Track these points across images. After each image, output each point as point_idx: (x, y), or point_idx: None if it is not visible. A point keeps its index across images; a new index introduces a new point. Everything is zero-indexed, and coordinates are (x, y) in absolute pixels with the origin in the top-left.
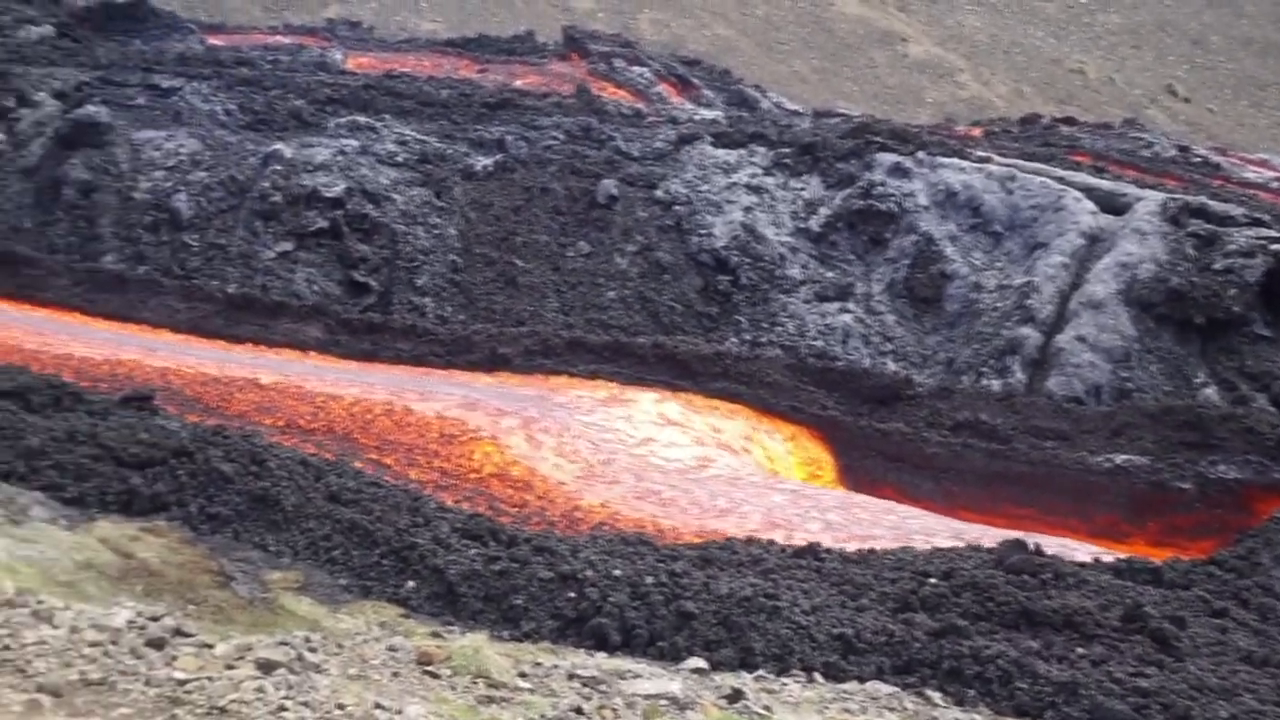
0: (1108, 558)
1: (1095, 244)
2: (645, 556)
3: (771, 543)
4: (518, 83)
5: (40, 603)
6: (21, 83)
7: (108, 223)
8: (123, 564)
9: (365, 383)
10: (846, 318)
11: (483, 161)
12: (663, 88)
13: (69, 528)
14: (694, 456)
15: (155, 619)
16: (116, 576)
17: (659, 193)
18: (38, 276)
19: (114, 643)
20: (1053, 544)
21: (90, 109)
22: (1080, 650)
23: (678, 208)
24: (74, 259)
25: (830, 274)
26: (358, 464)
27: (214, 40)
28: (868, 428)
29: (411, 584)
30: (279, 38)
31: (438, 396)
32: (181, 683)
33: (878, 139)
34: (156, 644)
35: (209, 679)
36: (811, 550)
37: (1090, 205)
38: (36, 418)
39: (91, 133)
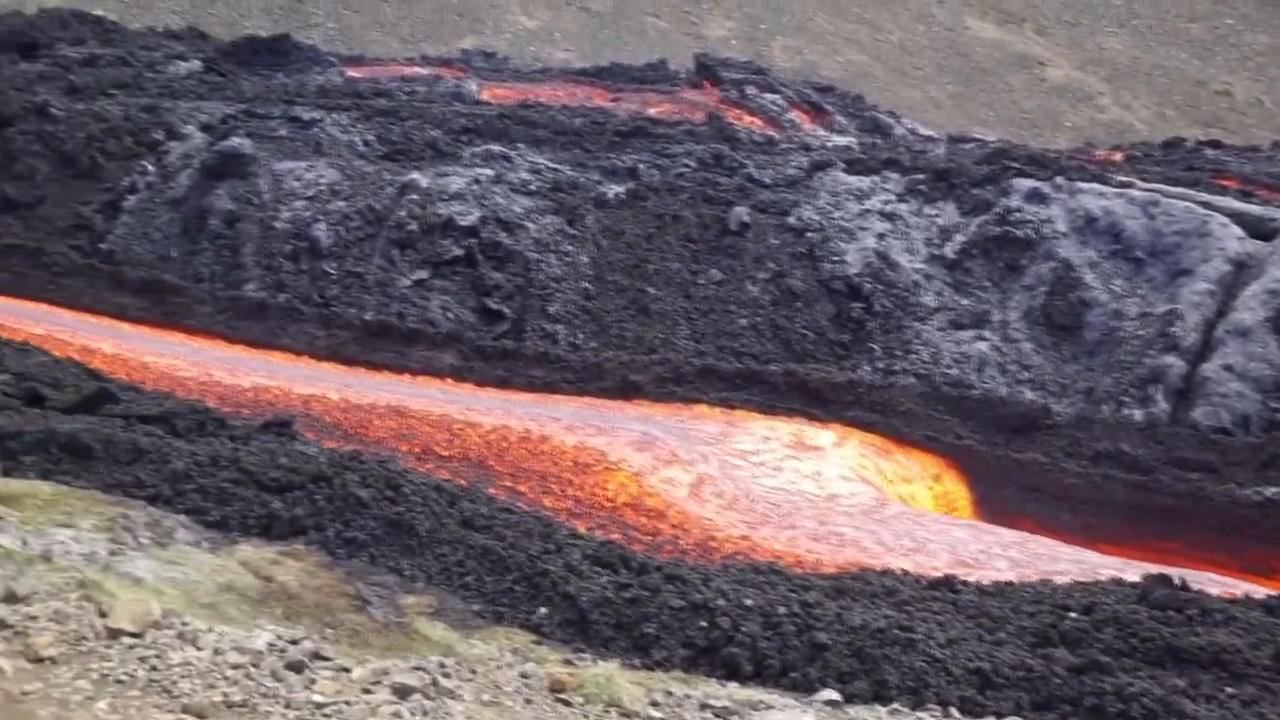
0: (1258, 594)
1: (1243, 270)
2: (777, 586)
3: (905, 573)
4: (650, 111)
5: (185, 625)
6: (171, 116)
7: (250, 251)
8: (263, 587)
9: (499, 409)
10: (982, 345)
11: (615, 189)
12: (795, 114)
13: (211, 550)
14: (828, 484)
15: (294, 642)
16: (257, 599)
17: (791, 220)
18: (184, 304)
19: (255, 665)
20: (1199, 579)
21: (235, 141)
22: (1229, 690)
23: (810, 235)
24: (218, 287)
25: (965, 301)
26: (491, 491)
27: (353, 72)
28: (1004, 458)
29: (543, 610)
30: (416, 69)
31: (571, 424)
32: (320, 706)
33: (1014, 164)
34: (296, 667)
35: (346, 703)
36: (947, 582)
37: (1237, 230)
38: (182, 442)
39: (236, 164)
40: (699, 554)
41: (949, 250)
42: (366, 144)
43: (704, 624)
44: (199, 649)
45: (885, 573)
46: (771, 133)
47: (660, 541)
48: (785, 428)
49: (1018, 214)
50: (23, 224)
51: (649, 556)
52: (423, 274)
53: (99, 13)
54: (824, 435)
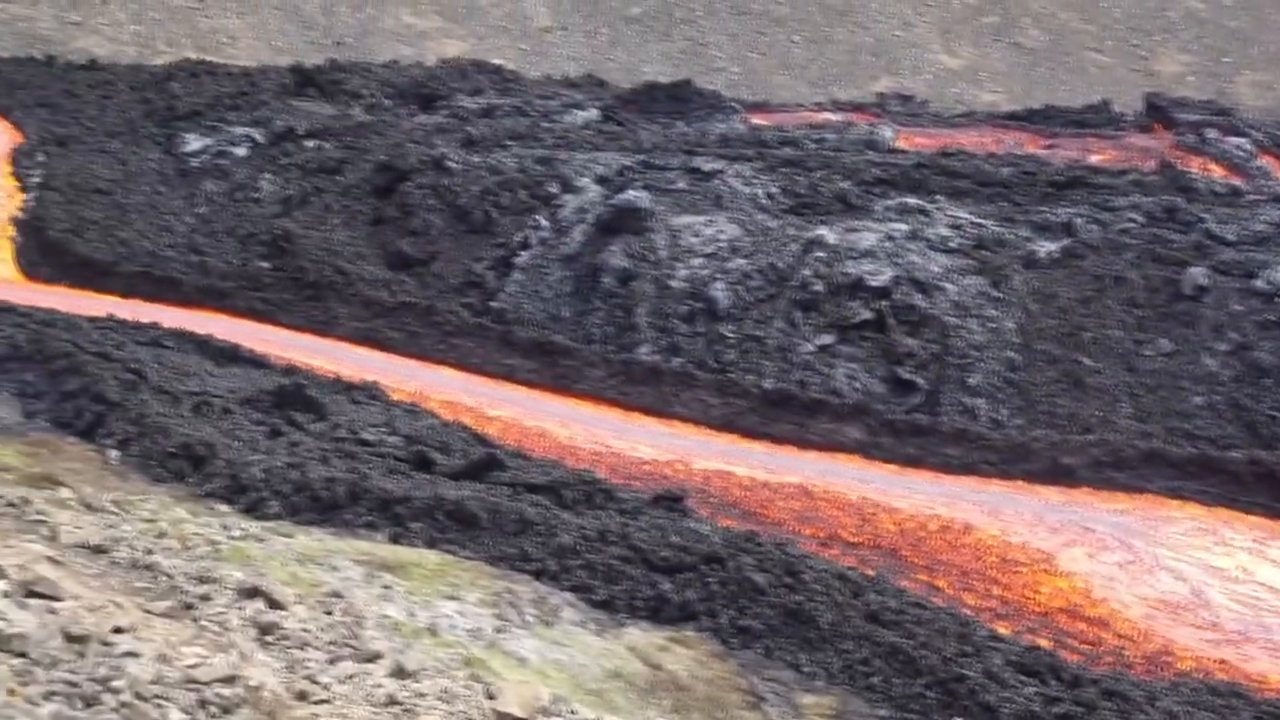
0: None
1: None
2: (1239, 712)
3: None
4: (1090, 158)
5: (573, 713)
6: (566, 168)
7: (644, 312)
8: (651, 675)
9: (913, 492)
10: None
11: (1047, 247)
12: (1264, 161)
13: (598, 632)
14: None
15: None
16: (645, 688)
17: (1259, 283)
18: (574, 367)
19: None
20: None
21: (631, 194)
22: None
23: None
24: (610, 349)
25: None
26: (902, 583)
27: (757, 119)
28: None
29: None
30: (825, 115)
31: (997, 512)
32: None
33: None
34: None
35: None
36: None
37: None
38: (569, 514)
39: (632, 218)
40: (1146, 668)
41: None
42: (770, 197)
43: None
44: None
45: None
46: (1236, 182)
47: (1100, 652)
48: (1250, 526)
49: None
50: (417, 281)
51: (1084, 667)
52: (828, 339)
53: (498, 62)
54: None
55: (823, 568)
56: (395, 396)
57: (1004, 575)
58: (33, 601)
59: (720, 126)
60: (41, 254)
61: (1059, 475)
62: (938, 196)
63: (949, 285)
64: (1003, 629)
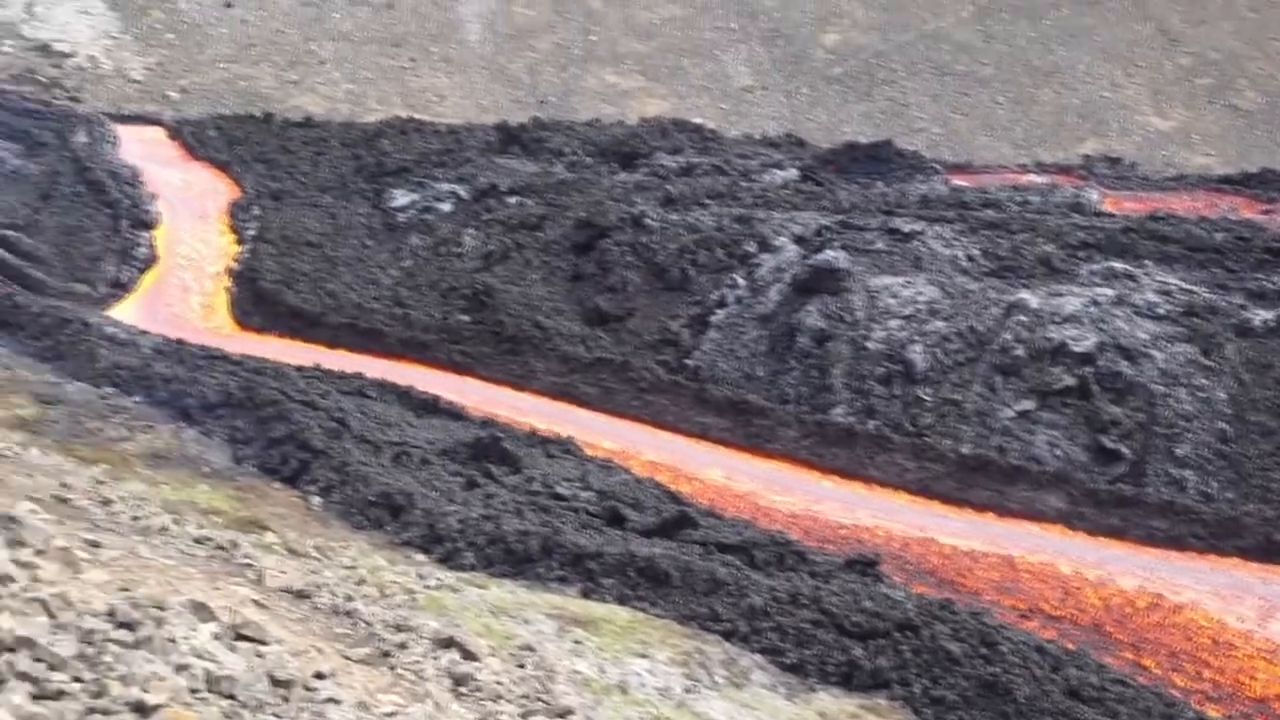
0: None
1: None
2: None
3: None
4: None
5: None
6: (764, 227)
7: (840, 373)
8: None
9: (1120, 566)
10: None
11: (1263, 315)
12: None
13: (788, 697)
14: None
15: None
16: None
17: None
18: (768, 427)
19: None
20: None
21: (829, 254)
22: None
23: None
24: (804, 410)
25: None
26: (1106, 659)
27: (959, 180)
28: None
29: None
30: (1029, 177)
31: (1209, 590)
32: None
33: None
34: None
35: None
36: None
37: None
38: (760, 575)
39: (829, 279)
40: None
41: None
42: (970, 259)
43: None
44: None
45: None
46: None
47: None
48: None
49: None
50: (613, 337)
51: None
52: (1028, 404)
53: (698, 121)
54: None
55: (1021, 639)
56: (589, 451)
57: (1217, 658)
58: (241, 644)
59: (921, 187)
60: (254, 304)
61: (1274, 553)
62: (1146, 261)
63: (1157, 353)
64: (1214, 713)
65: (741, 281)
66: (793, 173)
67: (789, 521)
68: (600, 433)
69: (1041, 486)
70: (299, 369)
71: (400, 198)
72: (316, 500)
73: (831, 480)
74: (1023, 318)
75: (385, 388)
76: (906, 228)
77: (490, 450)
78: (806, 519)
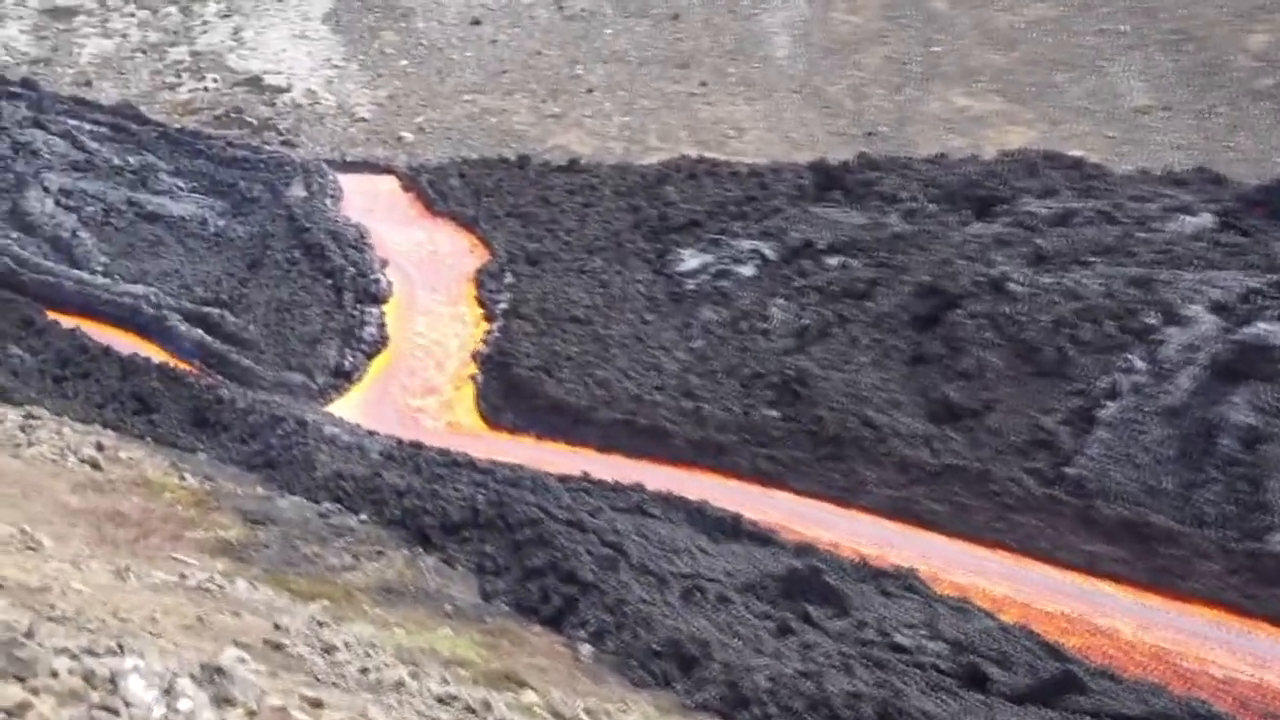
0: None
1: None
2: None
3: None
4: None
5: None
6: (1169, 292)
7: (1278, 486)
8: None
9: None
10: None
11: None
12: None
13: None
14: None
15: None
16: None
17: None
18: (1180, 557)
19: None
20: None
21: (1262, 327)
22: None
23: None
24: (1230, 535)
25: None
26: None
27: None
28: None
29: None
30: None
31: None
32: None
33: None
34: None
35: None
36: None
37: None
38: None
39: (1261, 359)
40: None
41: None
42: None
43: None
44: None
45: None
46: None
47: None
48: None
49: None
50: (966, 437)
51: None
52: None
53: (1077, 154)
54: None
55: None
56: (938, 588)
57: None
58: None
59: None
60: (506, 396)
61: None
62: None
63: None
64: None
65: (1140, 364)
66: (1207, 219)
67: (1217, 689)
68: (952, 563)
69: None
70: (563, 480)
71: (689, 260)
72: (586, 649)
73: (1268, 629)
74: None
75: (671, 503)
76: None
77: (809, 586)
78: (1240, 684)
